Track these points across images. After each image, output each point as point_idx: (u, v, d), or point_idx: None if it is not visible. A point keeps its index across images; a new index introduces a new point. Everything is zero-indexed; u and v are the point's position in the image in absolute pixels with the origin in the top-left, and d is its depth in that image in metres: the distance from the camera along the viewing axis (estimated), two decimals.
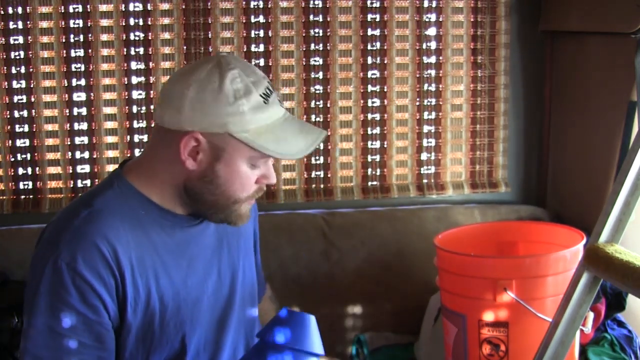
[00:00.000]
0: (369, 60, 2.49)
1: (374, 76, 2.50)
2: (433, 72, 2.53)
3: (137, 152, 2.38)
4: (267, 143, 1.28)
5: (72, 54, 2.31)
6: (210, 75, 1.28)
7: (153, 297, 1.32)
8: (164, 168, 1.33)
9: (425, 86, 2.53)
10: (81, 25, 2.31)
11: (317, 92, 2.47)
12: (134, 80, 2.36)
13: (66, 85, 2.32)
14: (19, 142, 2.33)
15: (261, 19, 2.41)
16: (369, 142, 2.52)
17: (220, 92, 1.26)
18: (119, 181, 1.36)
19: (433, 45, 2.52)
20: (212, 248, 1.43)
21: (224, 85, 1.26)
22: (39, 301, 1.25)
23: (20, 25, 2.28)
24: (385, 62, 2.49)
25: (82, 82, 2.33)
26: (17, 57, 2.29)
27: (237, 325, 1.44)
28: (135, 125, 2.38)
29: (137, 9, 2.34)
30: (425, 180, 2.58)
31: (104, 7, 2.31)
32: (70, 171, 2.36)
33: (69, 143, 2.35)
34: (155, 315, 1.33)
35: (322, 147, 2.49)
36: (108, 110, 2.35)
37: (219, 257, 1.43)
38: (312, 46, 2.45)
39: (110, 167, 2.37)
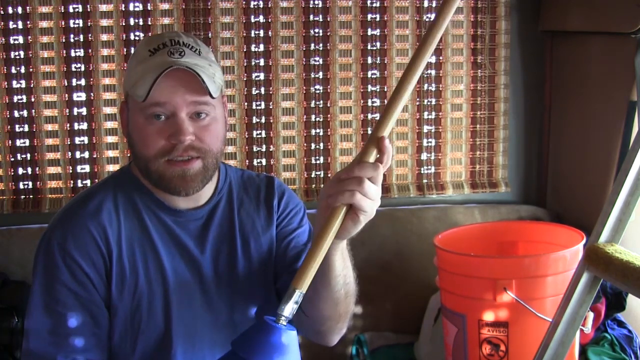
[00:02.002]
0: (369, 60, 2.49)
1: (374, 76, 2.50)
2: (433, 72, 2.53)
3: None
4: (138, 89, 1.30)
5: (72, 54, 2.31)
6: None
7: (141, 281, 1.36)
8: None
9: (425, 86, 2.53)
10: (81, 25, 2.31)
11: (317, 92, 2.47)
12: None
13: (66, 85, 2.32)
14: (19, 142, 2.33)
15: (261, 19, 2.41)
16: None
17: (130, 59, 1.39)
18: (124, 172, 1.44)
19: None
20: (210, 244, 1.43)
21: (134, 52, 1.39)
22: (36, 280, 1.33)
23: (20, 25, 2.28)
24: (385, 62, 2.49)
25: (82, 82, 2.33)
26: (17, 57, 2.29)
27: (236, 324, 1.43)
28: None
29: (137, 9, 2.34)
30: (425, 180, 2.58)
31: (104, 7, 2.31)
32: (70, 171, 2.36)
33: (69, 143, 2.35)
34: (143, 299, 1.36)
35: (322, 147, 2.49)
36: (108, 110, 2.35)
37: (217, 252, 1.43)
38: (312, 46, 2.44)
39: (111, 167, 2.37)
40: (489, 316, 1.83)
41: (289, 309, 1.08)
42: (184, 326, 1.38)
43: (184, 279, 1.39)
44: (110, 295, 1.34)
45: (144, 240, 1.37)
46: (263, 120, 2.45)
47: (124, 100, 1.39)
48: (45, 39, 2.30)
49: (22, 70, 2.29)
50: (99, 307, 1.33)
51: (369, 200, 1.12)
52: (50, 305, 1.31)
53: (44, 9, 2.28)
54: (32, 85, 2.30)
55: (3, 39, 2.27)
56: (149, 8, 2.34)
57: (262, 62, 2.42)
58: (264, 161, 2.47)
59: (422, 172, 2.58)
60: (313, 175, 2.51)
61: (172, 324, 1.37)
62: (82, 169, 2.37)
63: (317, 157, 2.50)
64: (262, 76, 2.42)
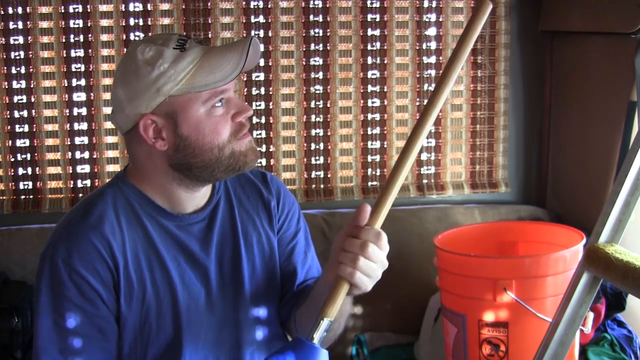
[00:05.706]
0: (369, 60, 2.49)
1: (374, 76, 2.50)
2: (433, 72, 2.53)
3: None
4: (203, 79, 1.29)
5: (72, 54, 2.31)
6: (125, 65, 1.34)
7: (148, 291, 1.35)
8: (149, 166, 1.37)
9: (425, 86, 2.53)
10: (81, 25, 2.31)
11: (317, 92, 2.47)
12: None
13: (66, 85, 2.32)
14: (19, 142, 2.33)
15: (261, 19, 2.41)
16: (369, 142, 2.52)
17: (139, 69, 1.30)
18: (120, 180, 1.40)
19: (433, 45, 2.52)
20: (214, 245, 1.42)
21: (138, 61, 1.30)
22: (41, 298, 1.30)
23: (20, 25, 2.28)
24: (385, 62, 2.49)
25: (82, 82, 2.33)
26: (17, 57, 2.29)
27: (239, 324, 1.44)
28: None
29: (137, 9, 2.34)
30: (425, 181, 2.58)
31: (104, 7, 2.31)
32: (70, 171, 2.36)
33: (69, 143, 2.35)
34: (152, 308, 1.35)
35: (322, 147, 2.49)
36: (108, 110, 2.35)
37: (221, 252, 1.43)
38: (312, 46, 2.45)
39: (111, 167, 2.37)
40: (489, 316, 1.83)
41: (319, 336, 1.15)
42: (191, 330, 1.38)
43: (190, 284, 1.38)
44: (119, 307, 1.33)
45: (149, 249, 1.36)
46: (263, 121, 2.45)
47: (145, 114, 1.30)
48: (45, 39, 2.30)
49: (22, 70, 2.29)
50: (108, 321, 1.32)
51: (365, 276, 1.19)
52: (58, 323, 1.29)
53: (44, 9, 2.28)
54: (32, 86, 2.30)
55: (3, 39, 2.28)
56: (149, 8, 2.34)
57: (262, 62, 2.42)
58: (263, 161, 2.47)
59: (422, 172, 2.58)
60: (313, 176, 2.51)
61: (182, 330, 1.37)
62: (82, 169, 2.37)
63: (317, 158, 2.50)
64: (262, 76, 2.42)
